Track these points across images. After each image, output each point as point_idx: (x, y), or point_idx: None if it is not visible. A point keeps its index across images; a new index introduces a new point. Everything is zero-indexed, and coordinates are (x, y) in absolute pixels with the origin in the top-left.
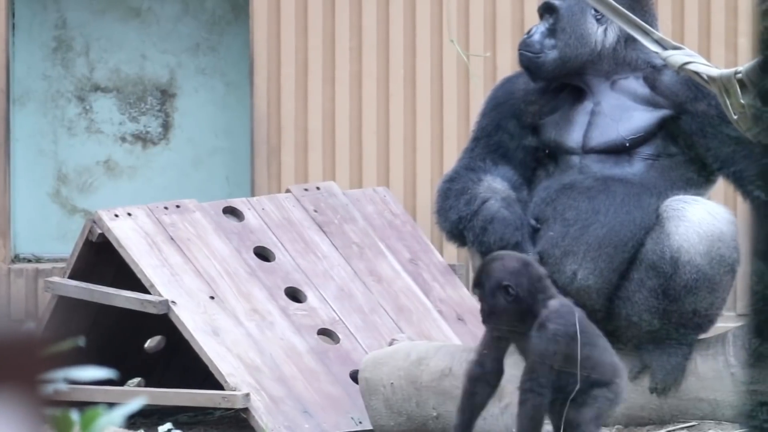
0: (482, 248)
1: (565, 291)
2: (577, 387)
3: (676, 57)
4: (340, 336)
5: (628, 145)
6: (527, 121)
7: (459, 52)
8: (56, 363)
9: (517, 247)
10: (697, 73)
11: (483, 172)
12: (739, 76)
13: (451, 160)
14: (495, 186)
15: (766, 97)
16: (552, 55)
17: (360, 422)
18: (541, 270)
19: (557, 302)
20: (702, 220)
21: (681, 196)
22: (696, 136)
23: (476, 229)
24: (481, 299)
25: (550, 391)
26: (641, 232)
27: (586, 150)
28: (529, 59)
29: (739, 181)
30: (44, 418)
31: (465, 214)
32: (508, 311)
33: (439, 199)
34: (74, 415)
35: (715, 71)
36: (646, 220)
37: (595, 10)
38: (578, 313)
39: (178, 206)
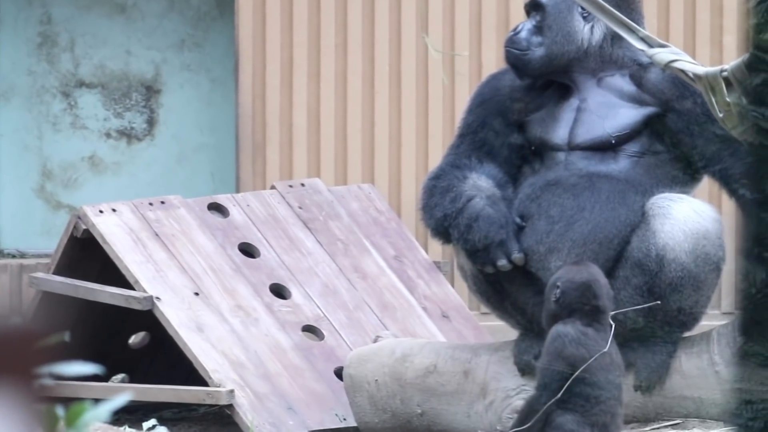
0: (467, 246)
1: None
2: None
3: (662, 55)
4: (324, 333)
5: (613, 142)
6: (513, 118)
7: (430, 47)
8: (44, 357)
9: (501, 245)
10: (683, 70)
11: (468, 170)
12: (725, 74)
13: (436, 158)
14: (480, 184)
15: (752, 96)
16: (539, 52)
17: (344, 419)
18: (602, 302)
19: (573, 328)
20: (687, 218)
21: (667, 194)
22: (682, 134)
23: (461, 226)
24: None
25: (540, 398)
26: (626, 229)
27: (571, 147)
28: (515, 56)
29: (724, 180)
30: (36, 413)
31: (450, 211)
32: (547, 308)
33: (424, 196)
34: (59, 411)
35: (700, 69)
36: (631, 218)
37: (582, 8)
38: (582, 348)
39: (162, 202)
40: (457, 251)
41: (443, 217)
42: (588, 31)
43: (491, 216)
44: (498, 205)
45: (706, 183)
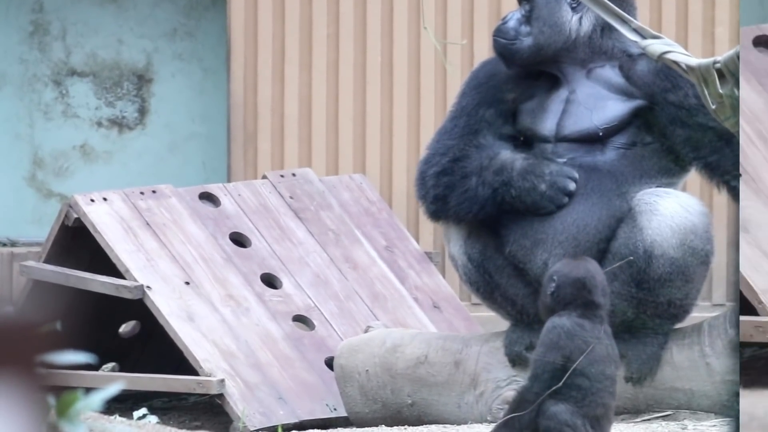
0: (532, 195)
1: (537, 281)
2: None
3: (655, 46)
4: (315, 323)
5: (601, 134)
6: (505, 107)
7: (432, 39)
8: (41, 346)
9: (561, 168)
10: (676, 62)
11: (486, 149)
12: (718, 65)
13: None
14: (506, 152)
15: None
16: (527, 42)
17: (335, 409)
18: (597, 297)
19: (569, 320)
20: (674, 213)
21: (653, 189)
22: (669, 127)
23: (518, 187)
24: None
25: (531, 389)
26: (610, 220)
27: (558, 138)
28: (503, 46)
29: (713, 172)
30: (38, 402)
31: (498, 185)
32: (543, 301)
33: (447, 188)
34: (51, 400)
35: (693, 61)
36: (617, 209)
37: None
38: (578, 340)
39: (154, 191)
40: (448, 239)
41: (493, 192)
42: (576, 22)
43: (539, 160)
44: (529, 158)
45: (698, 176)
